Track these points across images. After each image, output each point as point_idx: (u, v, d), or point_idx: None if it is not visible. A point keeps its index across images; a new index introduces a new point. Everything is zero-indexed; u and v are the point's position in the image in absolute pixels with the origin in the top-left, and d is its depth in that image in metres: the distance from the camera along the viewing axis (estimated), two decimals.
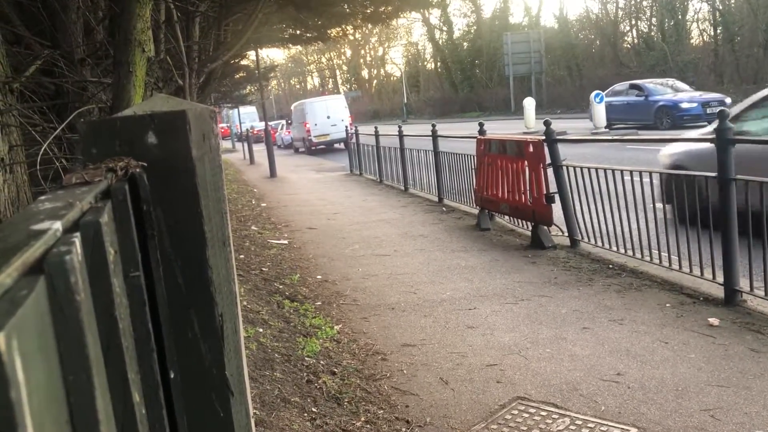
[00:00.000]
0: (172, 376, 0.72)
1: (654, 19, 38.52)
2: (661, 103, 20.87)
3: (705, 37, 37.56)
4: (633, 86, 22.66)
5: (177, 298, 0.76)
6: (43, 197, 0.57)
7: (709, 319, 4.54)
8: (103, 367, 0.45)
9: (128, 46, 1.72)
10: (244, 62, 17.28)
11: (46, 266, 0.39)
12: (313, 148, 29.49)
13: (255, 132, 32.15)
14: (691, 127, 16.98)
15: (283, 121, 40.78)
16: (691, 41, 37.57)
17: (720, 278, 4.92)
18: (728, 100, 19.86)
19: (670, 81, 23.51)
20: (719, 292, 4.92)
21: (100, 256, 0.50)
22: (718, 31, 34.96)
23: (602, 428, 3.28)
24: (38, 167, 1.84)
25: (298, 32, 11.58)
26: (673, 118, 20.14)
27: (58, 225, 0.45)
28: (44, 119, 2.92)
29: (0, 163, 1.59)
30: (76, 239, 0.44)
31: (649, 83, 22.76)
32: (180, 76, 2.89)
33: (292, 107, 35.57)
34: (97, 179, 0.64)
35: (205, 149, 0.83)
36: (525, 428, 3.36)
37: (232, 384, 0.83)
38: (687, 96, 21.11)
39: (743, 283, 4.80)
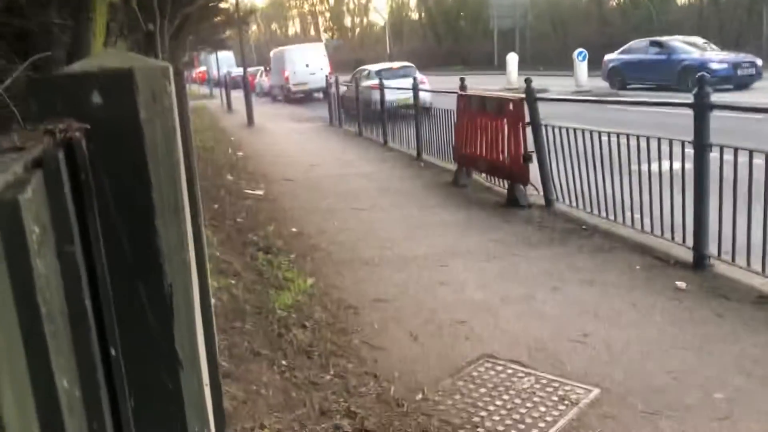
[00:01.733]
0: (113, 353, 0.69)
1: None
2: (686, 63, 19.04)
3: None
4: (654, 43, 20.93)
5: (122, 270, 0.72)
6: None
7: (677, 283, 4.61)
8: (23, 354, 0.42)
9: None
10: (223, 5, 16.80)
11: None
12: (292, 96, 29.01)
13: (232, 77, 31.43)
14: (720, 90, 14.47)
15: (262, 68, 40.00)
16: (677, 1, 37.26)
17: (690, 242, 4.98)
18: (759, 62, 18.68)
19: (695, 39, 21.65)
20: (689, 256, 4.98)
21: (17, 236, 0.46)
22: None
23: (566, 388, 3.34)
24: None
25: None
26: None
27: None
28: (7, 60, 2.81)
29: None
30: None
31: (672, 40, 20.95)
32: (148, 21, 2.78)
33: (271, 54, 34.86)
34: (30, 144, 0.59)
35: (156, 110, 0.78)
36: (491, 385, 3.41)
37: (181, 356, 0.80)
38: (716, 56, 19.34)
39: (712, 248, 4.87)
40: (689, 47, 20.30)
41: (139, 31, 2.84)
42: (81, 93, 0.72)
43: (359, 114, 15.05)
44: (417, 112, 10.91)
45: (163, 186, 0.79)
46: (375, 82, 14.58)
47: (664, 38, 21.59)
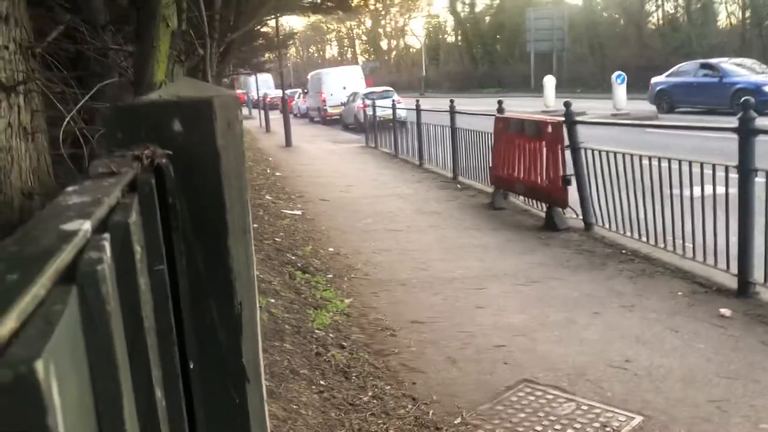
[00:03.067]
0: (191, 366, 0.73)
1: (681, 1, 37.72)
2: (739, 86, 18.30)
3: (732, 20, 36.79)
4: (704, 65, 20.48)
5: (197, 287, 0.76)
6: (70, 189, 0.57)
7: (721, 310, 4.52)
8: (128, 369, 0.46)
9: (152, 21, 1.71)
10: (263, 29, 17.16)
11: (78, 276, 0.39)
12: (328, 118, 29.35)
13: (269, 100, 32.03)
14: None
15: (299, 90, 40.61)
16: (718, 24, 36.81)
17: (734, 269, 4.88)
18: None
19: (749, 61, 21.11)
20: (732, 282, 4.89)
21: (128, 256, 0.50)
22: (747, 14, 34.21)
23: (608, 414, 3.30)
24: (61, 134, 1.85)
25: (319, 0, 11.47)
26: (755, 102, 17.80)
27: (87, 225, 0.45)
28: (65, 84, 2.92)
29: (23, 132, 1.60)
30: (106, 242, 0.44)
31: (724, 63, 20.46)
32: (201, 46, 2.88)
33: (308, 76, 35.48)
34: (124, 169, 0.64)
35: (230, 137, 0.83)
36: (531, 410, 3.38)
37: (248, 370, 0.84)
38: None
39: (757, 275, 4.77)
40: (742, 69, 19.78)
41: (193, 59, 2.95)
42: (163, 121, 0.77)
43: (395, 135, 15.22)
44: (453, 133, 10.96)
45: (234, 208, 0.83)
46: (363, 102, 20.13)
47: (714, 60, 21.10)
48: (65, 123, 1.78)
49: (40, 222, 0.46)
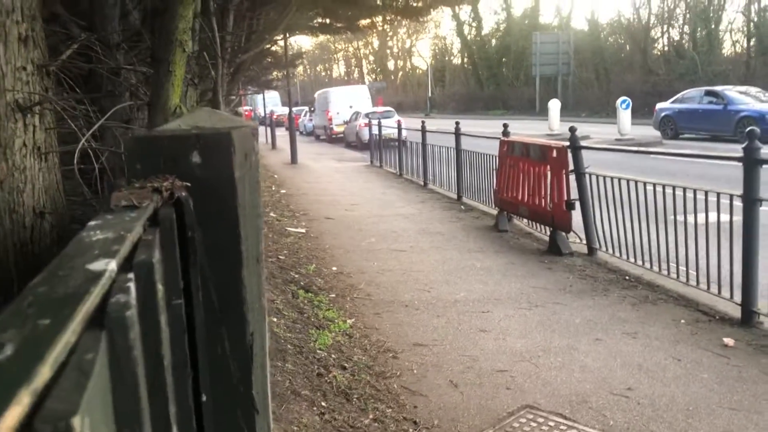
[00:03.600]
0: (204, 399, 0.73)
1: (686, 27, 37.97)
2: (744, 114, 18.57)
3: (737, 48, 37.00)
4: (709, 92, 20.57)
5: (211, 318, 0.77)
6: (93, 223, 0.58)
7: (724, 339, 4.50)
8: (148, 410, 0.46)
9: (169, 46, 1.74)
10: (272, 48, 17.30)
11: (107, 322, 0.40)
12: (334, 136, 29.55)
13: (276, 117, 32.27)
14: None
15: (306, 108, 40.83)
16: (723, 51, 37.00)
17: (738, 297, 4.87)
18: None
19: (753, 89, 21.13)
20: (736, 311, 4.87)
21: (150, 295, 0.51)
22: (752, 42, 34.40)
23: None
24: (75, 162, 1.86)
25: (327, 21, 11.58)
26: (762, 131, 17.47)
27: (113, 265, 0.46)
28: (76, 101, 2.95)
29: (36, 152, 1.61)
30: (131, 284, 0.45)
31: (728, 90, 20.56)
32: (213, 67, 2.91)
33: (315, 95, 35.76)
34: (144, 203, 0.65)
35: (246, 168, 0.84)
36: None
37: (257, 401, 0.84)
38: None
39: (761, 304, 4.75)
40: (746, 98, 19.81)
41: (207, 82, 2.98)
42: (182, 152, 0.78)
43: (400, 155, 15.27)
44: (458, 155, 11.00)
45: (249, 238, 0.84)
46: (365, 121, 20.92)
47: (719, 88, 21.20)
48: (80, 145, 1.80)
49: (66, 260, 0.47)
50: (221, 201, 0.78)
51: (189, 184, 0.75)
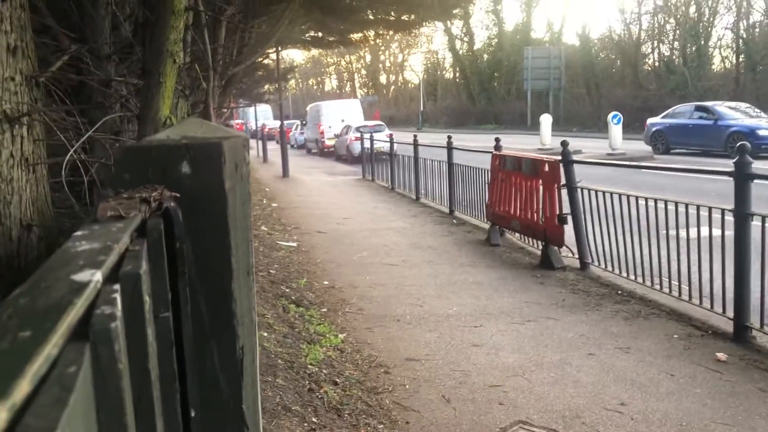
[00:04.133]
0: (193, 414, 0.71)
1: (676, 44, 38.37)
2: (734, 129, 18.67)
3: (727, 64, 37.39)
4: (699, 108, 20.83)
5: (200, 332, 0.75)
6: (79, 233, 0.57)
7: (717, 354, 4.49)
8: (134, 424, 0.44)
9: (160, 56, 1.73)
10: (264, 62, 17.35)
11: (91, 333, 0.38)
12: (326, 149, 29.48)
13: (267, 130, 32.31)
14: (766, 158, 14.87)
15: (298, 122, 40.90)
16: (713, 67, 37.39)
17: (730, 312, 4.87)
18: None
19: (743, 105, 21.35)
20: (728, 326, 4.87)
21: (137, 307, 0.50)
22: (741, 58, 34.79)
23: None
24: (64, 174, 1.84)
25: (320, 35, 11.62)
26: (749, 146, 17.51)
27: (98, 276, 0.44)
28: (66, 112, 2.93)
29: (24, 163, 1.59)
30: (117, 295, 0.43)
31: (719, 106, 20.70)
32: (204, 79, 2.90)
33: (307, 108, 35.82)
34: (132, 213, 0.63)
35: (237, 179, 0.82)
36: None
37: (247, 417, 0.82)
38: (766, 123, 18.86)
39: (754, 319, 4.75)
40: (736, 113, 20.00)
41: (198, 94, 2.97)
42: (172, 162, 0.76)
43: (392, 169, 15.28)
44: (450, 169, 11.02)
45: (239, 249, 0.83)
46: (356, 135, 21.67)
47: (709, 103, 21.41)
48: (68, 156, 1.78)
49: (49, 271, 0.45)
50: (211, 212, 0.77)
51: (178, 195, 0.73)
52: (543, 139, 23.12)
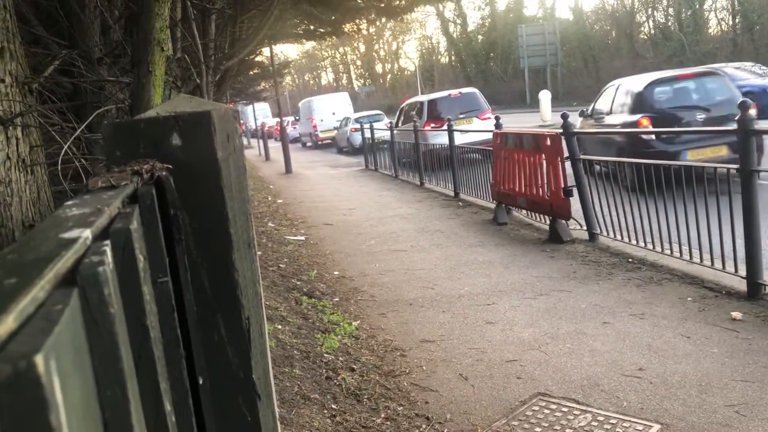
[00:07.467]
0: (201, 382, 0.71)
1: (671, 10, 38.05)
2: (747, 89, 17.39)
3: (723, 27, 37.06)
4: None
5: (203, 302, 0.75)
6: (70, 202, 0.56)
7: (732, 313, 4.48)
8: (135, 378, 0.44)
9: (147, 46, 1.72)
10: (258, 58, 17.31)
11: (78, 278, 0.37)
12: (320, 142, 30.97)
13: (267, 128, 32.74)
14: None
15: (291, 118, 41.15)
16: (709, 31, 37.08)
17: (742, 271, 4.85)
18: None
19: (748, 65, 20.81)
20: (742, 285, 4.85)
21: (130, 263, 0.49)
22: (737, 20, 34.47)
23: (624, 424, 3.25)
24: (59, 167, 1.84)
25: (312, 27, 11.57)
26: (764, 106, 16.24)
27: (87, 233, 0.44)
28: (63, 119, 2.93)
29: (21, 165, 1.59)
30: (107, 248, 0.43)
31: (728, 67, 19.77)
32: (197, 74, 2.89)
33: (300, 104, 36.77)
34: (123, 183, 0.63)
35: (230, 150, 0.82)
36: (546, 424, 3.34)
37: (258, 387, 0.82)
38: None
39: (767, 276, 4.73)
40: (744, 73, 19.48)
41: (189, 85, 2.96)
42: (162, 136, 0.76)
43: (393, 157, 15.27)
44: (452, 151, 11.00)
45: (238, 221, 0.82)
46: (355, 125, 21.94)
47: (716, 65, 21.12)
48: (63, 152, 1.78)
49: (39, 232, 0.45)
50: (205, 182, 0.76)
51: (170, 166, 0.73)
52: (543, 115, 23.03)
